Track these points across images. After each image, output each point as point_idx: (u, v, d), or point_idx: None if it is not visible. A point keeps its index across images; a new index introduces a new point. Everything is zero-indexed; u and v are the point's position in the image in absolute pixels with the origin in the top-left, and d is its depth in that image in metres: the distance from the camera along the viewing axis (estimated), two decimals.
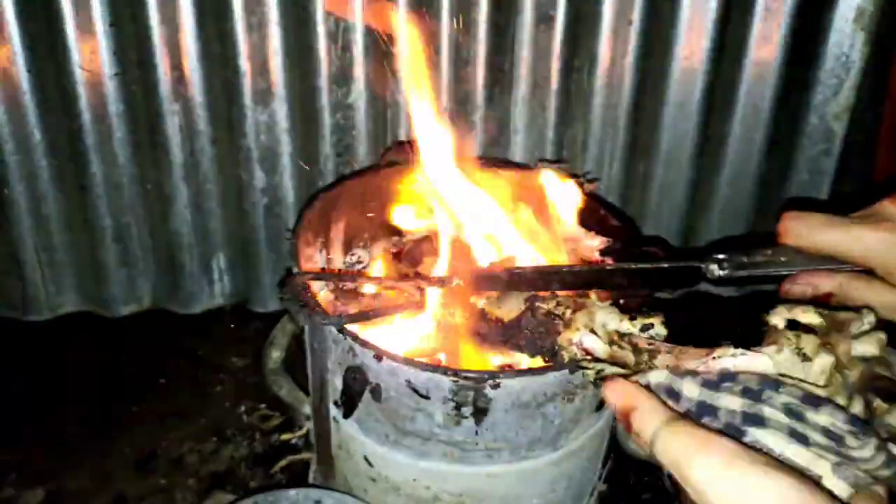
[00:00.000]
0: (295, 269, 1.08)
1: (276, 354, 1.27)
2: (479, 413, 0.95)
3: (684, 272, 0.86)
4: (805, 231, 0.76)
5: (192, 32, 1.45)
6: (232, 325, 1.75)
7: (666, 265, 0.87)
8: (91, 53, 1.44)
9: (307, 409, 1.30)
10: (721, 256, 0.82)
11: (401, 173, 1.24)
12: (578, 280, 0.92)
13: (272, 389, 1.31)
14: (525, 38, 1.55)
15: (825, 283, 0.77)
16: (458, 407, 0.95)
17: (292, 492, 1.16)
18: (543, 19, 1.53)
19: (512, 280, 0.95)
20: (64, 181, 1.58)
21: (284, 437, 1.48)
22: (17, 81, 1.46)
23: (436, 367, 0.93)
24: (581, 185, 1.29)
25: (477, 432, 0.98)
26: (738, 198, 1.76)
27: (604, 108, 1.64)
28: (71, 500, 1.37)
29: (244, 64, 1.48)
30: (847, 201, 0.80)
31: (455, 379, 0.92)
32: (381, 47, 1.50)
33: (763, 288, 1.86)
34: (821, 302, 0.76)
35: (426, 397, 0.95)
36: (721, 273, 0.82)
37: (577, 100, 1.64)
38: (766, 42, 1.58)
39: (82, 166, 1.56)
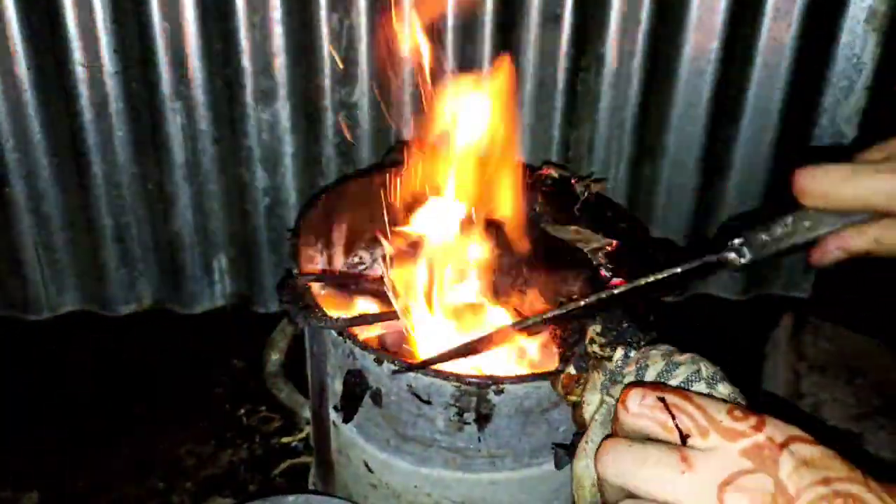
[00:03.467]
0: (295, 271, 1.06)
1: (275, 357, 1.26)
2: (482, 419, 0.93)
3: (704, 269, 0.79)
4: (822, 189, 0.69)
5: (195, 30, 1.44)
6: (233, 327, 1.73)
7: (680, 269, 0.79)
8: (92, 51, 1.43)
9: (307, 413, 1.28)
10: (738, 242, 0.74)
11: (404, 173, 1.22)
12: (592, 311, 0.85)
13: (271, 392, 1.29)
14: (531, 38, 1.53)
15: (858, 243, 0.71)
16: (460, 413, 0.93)
17: (291, 498, 1.14)
18: (550, 19, 1.51)
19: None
20: (64, 180, 1.56)
21: (284, 440, 1.47)
22: (18, 79, 1.44)
23: (438, 373, 0.91)
24: (588, 185, 1.28)
25: (479, 439, 0.96)
26: (747, 201, 1.73)
27: (611, 109, 1.62)
28: (67, 502, 1.35)
29: (246, 62, 1.47)
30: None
31: (457, 384, 0.90)
32: (384, 44, 1.48)
33: (770, 291, 1.84)
34: None
35: (428, 402, 0.93)
36: (745, 261, 0.75)
37: (584, 101, 1.62)
38: (775, 43, 1.56)
39: (83, 165, 1.54)
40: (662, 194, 1.73)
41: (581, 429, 0.76)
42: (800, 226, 0.72)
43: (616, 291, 0.82)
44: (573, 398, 0.78)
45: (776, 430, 0.54)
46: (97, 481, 1.39)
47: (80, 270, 1.67)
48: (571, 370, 0.78)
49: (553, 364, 1.03)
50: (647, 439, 0.58)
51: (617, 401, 0.62)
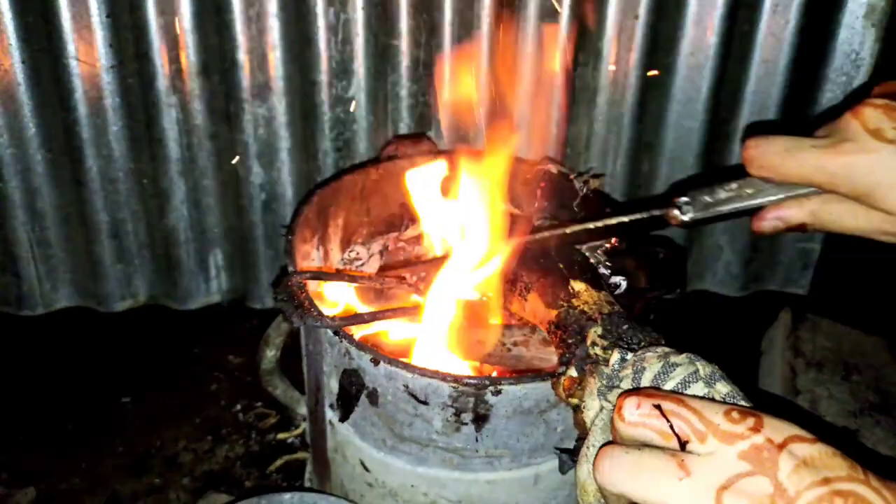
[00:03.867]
0: (290, 268, 1.06)
1: (270, 353, 1.25)
2: (480, 420, 0.93)
3: (650, 222, 0.83)
4: (767, 161, 0.71)
5: (190, 24, 1.42)
6: (228, 322, 1.72)
7: (627, 219, 0.85)
8: (87, 45, 1.42)
9: (304, 409, 1.27)
10: (683, 199, 0.78)
11: (401, 168, 1.22)
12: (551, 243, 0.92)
13: (267, 389, 1.29)
14: (529, 34, 1.52)
15: (795, 215, 0.74)
16: (457, 413, 0.93)
17: (287, 495, 1.13)
18: (548, 15, 1.50)
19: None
20: (59, 175, 1.55)
21: (281, 436, 1.46)
22: (12, 73, 1.43)
23: (435, 373, 0.90)
24: (586, 181, 1.27)
25: (477, 439, 0.95)
26: None
27: (608, 104, 1.62)
28: (63, 499, 1.35)
29: (242, 57, 1.46)
30: (808, 123, 0.74)
31: (455, 385, 0.90)
32: (381, 40, 1.47)
33: (767, 288, 1.84)
34: None
35: (425, 403, 0.93)
36: (686, 218, 0.78)
37: (582, 96, 1.61)
38: (774, 39, 1.55)
39: (78, 160, 1.53)
40: (660, 190, 1.72)
41: (582, 433, 0.76)
42: (743, 192, 0.74)
43: (568, 230, 0.91)
44: (574, 401, 0.77)
45: (775, 430, 0.53)
46: (93, 477, 1.38)
47: (74, 266, 1.66)
48: (572, 373, 0.77)
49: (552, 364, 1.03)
50: (646, 446, 0.58)
51: (614, 408, 0.61)
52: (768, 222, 0.75)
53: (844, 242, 1.76)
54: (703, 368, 0.66)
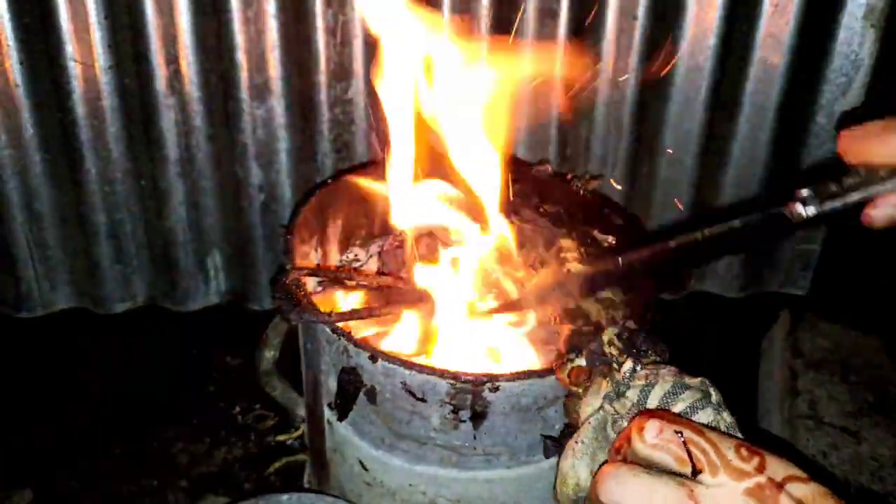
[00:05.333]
0: (288, 266, 1.05)
1: (269, 354, 1.25)
2: (478, 417, 0.93)
3: (767, 223, 0.73)
4: (866, 146, 0.68)
5: (188, 25, 1.42)
6: (227, 324, 1.72)
7: (739, 224, 0.75)
8: (85, 46, 1.42)
9: (302, 411, 1.27)
10: (805, 193, 0.69)
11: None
12: (647, 261, 0.84)
13: (265, 391, 1.28)
14: (528, 34, 1.52)
15: None
16: (455, 410, 0.92)
17: (285, 496, 1.13)
18: (548, 15, 1.50)
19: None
20: (57, 176, 1.55)
21: (279, 438, 1.46)
22: (10, 74, 1.43)
23: (432, 370, 0.90)
24: (585, 183, 1.27)
25: (475, 436, 0.95)
26: (743, 198, 1.72)
27: (608, 105, 1.61)
28: (60, 501, 1.34)
29: (241, 58, 1.46)
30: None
31: (452, 381, 0.89)
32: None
33: (767, 289, 1.84)
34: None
35: (422, 400, 0.92)
36: (809, 213, 0.70)
37: (581, 98, 1.61)
38: (773, 39, 1.55)
39: (76, 161, 1.53)
40: (660, 191, 1.72)
41: (572, 423, 0.76)
42: (868, 180, 0.68)
43: (671, 244, 0.80)
44: (577, 389, 0.78)
45: (775, 469, 0.57)
46: (91, 479, 1.38)
47: (73, 267, 1.66)
48: (582, 362, 0.77)
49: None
50: (653, 468, 0.59)
51: (620, 417, 0.63)
52: (880, 211, 0.69)
53: (843, 243, 1.77)
54: (715, 395, 0.68)
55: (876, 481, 1.22)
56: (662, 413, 0.66)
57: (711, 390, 0.68)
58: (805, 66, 1.58)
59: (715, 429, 0.62)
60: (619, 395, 0.72)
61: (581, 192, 1.26)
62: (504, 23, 1.50)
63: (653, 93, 1.60)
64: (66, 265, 1.65)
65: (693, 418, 0.66)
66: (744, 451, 0.57)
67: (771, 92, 1.60)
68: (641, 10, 1.51)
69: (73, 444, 1.43)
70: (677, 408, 0.67)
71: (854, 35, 1.55)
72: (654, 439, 0.59)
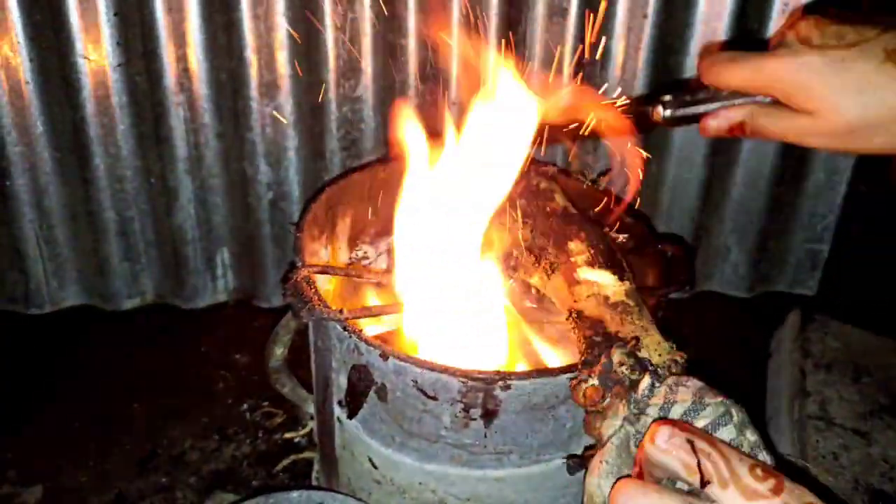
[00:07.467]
0: (299, 263, 1.05)
1: (279, 351, 1.24)
2: (489, 415, 0.92)
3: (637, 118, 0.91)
4: (716, 68, 0.79)
5: (198, 23, 1.42)
6: (235, 321, 1.72)
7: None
8: (95, 43, 1.42)
9: (311, 408, 1.27)
10: (666, 98, 0.85)
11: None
12: None
13: (275, 388, 1.28)
14: (537, 32, 1.52)
15: (736, 114, 0.81)
16: (466, 409, 0.92)
17: (294, 493, 1.13)
18: (556, 13, 1.50)
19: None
20: (66, 173, 1.55)
21: (288, 435, 1.46)
22: (20, 71, 1.43)
23: (444, 368, 0.90)
24: (593, 181, 1.27)
25: (486, 435, 0.95)
26: (752, 197, 1.72)
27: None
28: (70, 497, 1.34)
29: (250, 55, 1.46)
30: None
31: (464, 380, 0.89)
32: (388, 39, 1.47)
33: (776, 289, 1.84)
34: None
35: (433, 398, 0.92)
36: (666, 115, 0.85)
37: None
38: None
39: (85, 158, 1.53)
40: (668, 190, 1.71)
41: (596, 440, 0.76)
42: (715, 96, 0.82)
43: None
44: (594, 410, 0.77)
45: (792, 495, 0.55)
46: (100, 476, 1.38)
47: (82, 264, 1.66)
48: (596, 383, 0.77)
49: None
50: (665, 484, 0.60)
51: (643, 434, 0.63)
52: (715, 121, 0.82)
53: (853, 243, 1.76)
54: (738, 414, 0.68)
55: (887, 483, 1.22)
56: (679, 422, 0.66)
57: (733, 410, 0.68)
58: None
59: (734, 447, 0.62)
60: (640, 413, 0.72)
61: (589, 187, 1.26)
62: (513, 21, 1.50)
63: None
64: (74, 262, 1.66)
65: (714, 435, 0.66)
66: (759, 471, 0.57)
67: None
68: (651, 7, 1.50)
69: (82, 441, 1.44)
70: (699, 425, 0.67)
71: None
72: (664, 444, 0.60)
